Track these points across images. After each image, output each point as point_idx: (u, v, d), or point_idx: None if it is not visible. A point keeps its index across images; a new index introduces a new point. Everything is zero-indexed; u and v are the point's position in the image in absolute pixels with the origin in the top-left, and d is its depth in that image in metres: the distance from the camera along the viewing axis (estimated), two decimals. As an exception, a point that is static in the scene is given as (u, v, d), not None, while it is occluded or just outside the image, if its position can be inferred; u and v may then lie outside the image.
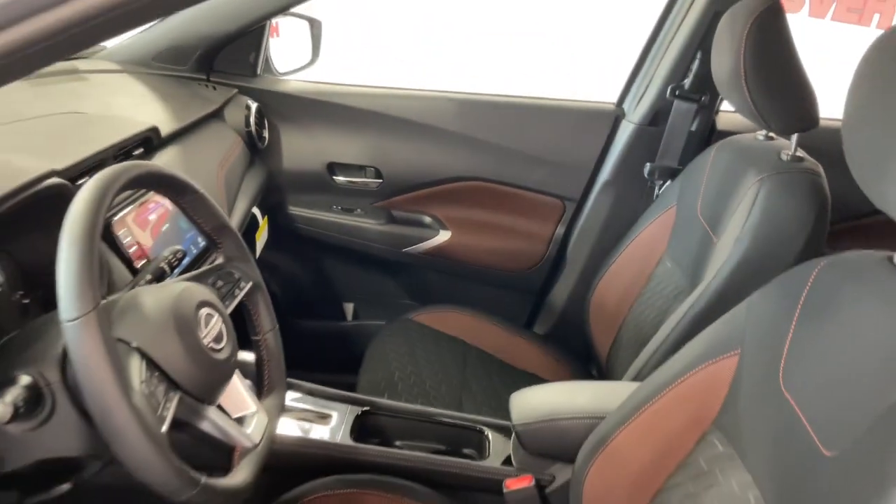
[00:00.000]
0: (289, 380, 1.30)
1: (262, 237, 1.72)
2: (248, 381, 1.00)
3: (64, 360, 0.80)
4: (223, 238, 0.99)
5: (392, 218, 1.93)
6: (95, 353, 0.69)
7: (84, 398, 0.70)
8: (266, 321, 1.03)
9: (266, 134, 1.79)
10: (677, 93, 1.72)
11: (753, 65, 1.25)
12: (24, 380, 0.78)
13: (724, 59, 1.31)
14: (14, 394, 0.76)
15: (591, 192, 1.87)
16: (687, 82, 1.72)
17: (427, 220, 1.93)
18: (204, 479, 0.77)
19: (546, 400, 1.25)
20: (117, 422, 0.69)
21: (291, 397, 1.29)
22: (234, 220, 1.53)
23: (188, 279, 0.91)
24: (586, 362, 1.83)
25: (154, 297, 0.82)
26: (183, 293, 0.83)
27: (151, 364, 0.78)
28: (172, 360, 0.79)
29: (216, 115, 1.65)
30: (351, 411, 1.30)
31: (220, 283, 0.96)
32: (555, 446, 1.20)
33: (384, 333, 1.70)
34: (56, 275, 0.71)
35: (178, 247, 1.04)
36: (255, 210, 1.67)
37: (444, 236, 1.92)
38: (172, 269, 1.02)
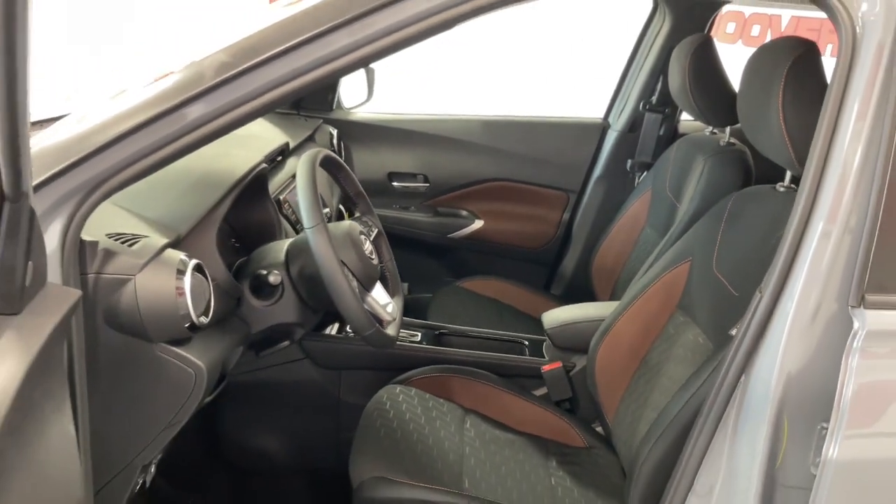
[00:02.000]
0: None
1: (346, 227, 2.29)
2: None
3: (287, 263, 1.37)
4: (360, 200, 1.57)
5: (437, 212, 2.52)
6: (327, 244, 1.25)
7: (319, 269, 1.25)
8: (386, 253, 1.60)
9: (343, 153, 2.38)
10: (648, 107, 2.33)
11: (695, 81, 1.84)
12: (266, 274, 1.34)
13: (676, 78, 1.90)
14: (268, 277, 1.32)
15: (588, 186, 2.47)
16: (654, 99, 2.33)
17: (464, 213, 2.53)
18: (377, 326, 1.33)
19: (568, 312, 1.83)
20: (339, 282, 1.25)
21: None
22: (332, 212, 2.10)
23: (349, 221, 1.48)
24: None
25: (337, 227, 1.39)
26: (352, 225, 1.41)
27: (342, 262, 1.34)
28: (353, 259, 1.35)
29: (310, 138, 2.24)
30: (430, 333, 1.86)
31: (360, 226, 1.53)
32: (574, 341, 1.76)
33: (439, 297, 2.26)
34: (300, 204, 1.28)
35: (326, 210, 1.62)
36: (341, 207, 2.25)
37: (477, 224, 2.51)
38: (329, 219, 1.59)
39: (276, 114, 2.28)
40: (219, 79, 0.96)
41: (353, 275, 1.36)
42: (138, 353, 1.08)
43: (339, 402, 1.78)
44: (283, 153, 1.88)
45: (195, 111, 0.97)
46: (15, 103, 0.69)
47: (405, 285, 2.63)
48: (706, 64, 1.85)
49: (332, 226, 1.40)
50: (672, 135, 2.38)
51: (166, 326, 1.06)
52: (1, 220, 0.76)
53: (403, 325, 1.88)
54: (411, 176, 2.50)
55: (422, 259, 2.60)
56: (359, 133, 2.44)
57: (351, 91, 2.51)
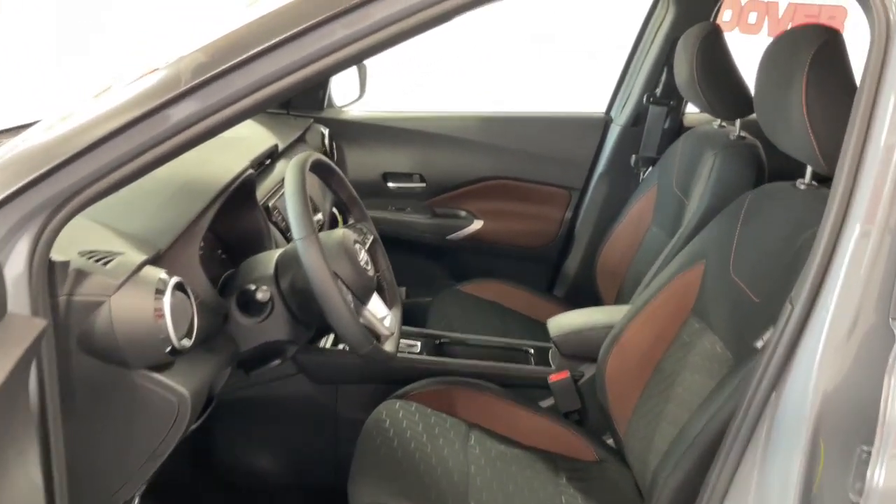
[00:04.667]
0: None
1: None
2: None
3: (277, 276, 1.28)
4: (353, 206, 1.48)
5: (435, 213, 2.43)
6: (318, 256, 1.16)
7: (311, 283, 1.17)
8: (383, 261, 1.51)
9: (335, 153, 2.29)
10: (652, 99, 2.25)
11: (703, 72, 1.76)
12: (254, 289, 1.25)
13: (683, 69, 1.82)
14: (255, 294, 1.24)
15: (591, 183, 2.38)
16: (658, 91, 2.24)
17: (462, 213, 2.43)
18: (375, 342, 1.24)
19: (574, 318, 1.74)
20: (332, 298, 1.16)
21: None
22: (325, 217, 2.01)
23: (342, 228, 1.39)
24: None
25: (329, 237, 1.30)
26: (345, 234, 1.32)
27: (335, 275, 1.26)
28: (346, 271, 1.27)
29: (301, 138, 2.15)
30: (430, 342, 1.78)
31: (354, 234, 1.44)
32: (582, 349, 1.68)
33: (438, 302, 2.18)
34: (288, 214, 1.19)
35: (318, 216, 1.53)
36: (335, 210, 2.16)
37: (477, 225, 2.42)
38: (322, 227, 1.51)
39: (264, 114, 2.18)
40: (201, 78, 0.87)
41: (348, 287, 1.28)
42: (116, 381, 0.99)
43: (337, 418, 1.70)
44: (272, 156, 1.79)
45: (176, 114, 0.88)
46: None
47: (403, 289, 2.55)
48: (715, 54, 1.77)
49: (325, 235, 1.31)
50: (677, 128, 2.29)
51: (145, 351, 0.98)
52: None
53: (402, 335, 1.79)
54: (407, 176, 2.40)
55: (420, 262, 2.51)
56: (352, 132, 2.35)
57: (342, 89, 2.42)
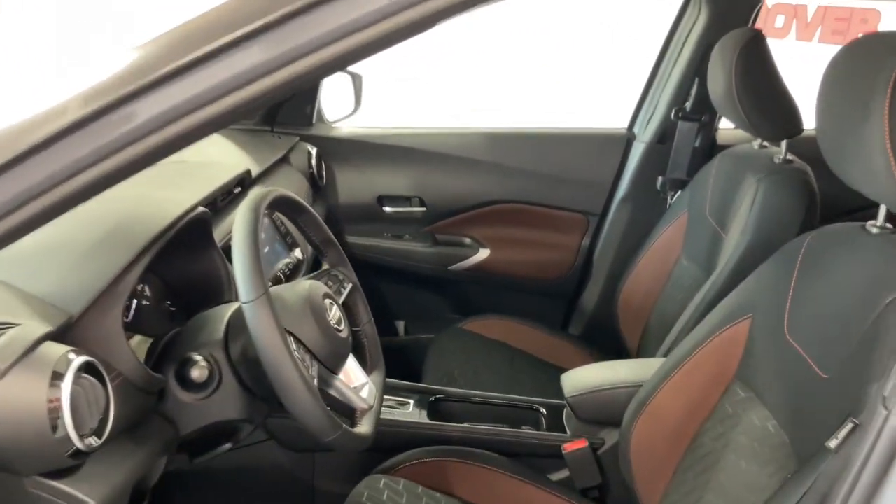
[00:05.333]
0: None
1: (327, 263, 1.96)
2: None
3: (226, 342, 1.04)
4: (329, 248, 1.24)
5: (436, 241, 2.18)
6: (270, 325, 0.92)
7: (261, 357, 0.93)
8: (364, 314, 1.26)
9: (324, 174, 2.05)
10: (681, 114, 1.98)
11: (743, 85, 1.50)
12: (198, 359, 1.01)
13: (719, 82, 1.56)
14: (191, 370, 1.00)
15: (611, 207, 2.12)
16: (688, 105, 1.98)
17: (467, 240, 2.18)
18: (344, 426, 1.00)
19: (592, 375, 1.48)
20: (287, 375, 0.92)
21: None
22: (305, 256, 1.77)
23: (311, 279, 1.15)
24: (618, 356, 2.04)
25: (292, 292, 1.06)
26: (312, 287, 1.08)
27: (297, 340, 1.01)
28: (312, 336, 1.02)
29: (284, 159, 1.91)
30: (424, 398, 1.53)
31: (329, 282, 1.20)
32: (602, 412, 1.42)
33: (439, 341, 1.93)
34: (234, 270, 0.95)
35: (288, 259, 1.29)
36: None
37: (483, 254, 2.16)
38: (287, 277, 1.26)
39: (243, 131, 1.95)
40: (152, 77, 0.66)
41: (314, 356, 1.03)
42: (5, 492, 0.77)
43: (314, 492, 1.46)
44: (243, 183, 1.55)
45: (113, 127, 0.66)
46: None
47: (401, 324, 2.31)
48: (757, 64, 1.51)
49: (287, 289, 1.07)
50: (710, 147, 2.03)
51: (36, 456, 0.75)
52: None
53: (391, 390, 1.55)
54: (405, 199, 2.15)
55: (419, 294, 2.27)
56: (343, 151, 2.11)
57: (334, 102, 2.19)
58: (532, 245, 2.18)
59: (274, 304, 0.95)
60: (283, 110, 2.05)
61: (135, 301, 1.12)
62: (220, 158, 1.62)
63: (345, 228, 2.14)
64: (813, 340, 1.05)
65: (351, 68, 2.23)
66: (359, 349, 1.26)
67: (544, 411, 1.55)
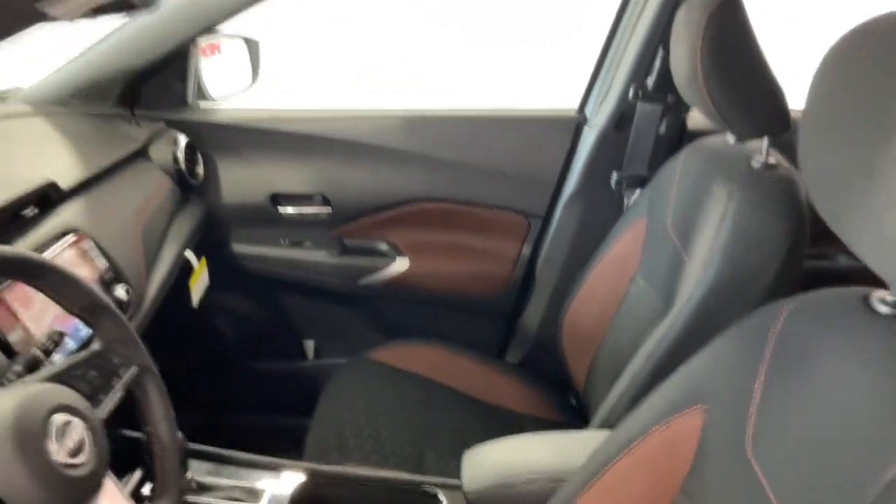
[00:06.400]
0: (213, 450, 1.17)
1: (198, 282, 1.58)
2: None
3: None
4: (98, 319, 0.85)
5: (345, 248, 1.78)
6: None
7: None
8: (158, 409, 0.89)
9: (200, 169, 1.65)
10: (640, 94, 1.57)
11: (712, 63, 1.11)
12: None
13: (681, 56, 1.17)
14: None
15: (557, 207, 1.72)
16: (650, 81, 1.57)
17: (383, 247, 1.79)
18: None
19: (500, 460, 1.11)
20: None
21: (214, 471, 1.15)
22: (161, 269, 1.39)
23: (44, 379, 0.77)
24: (563, 390, 1.68)
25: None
26: (26, 401, 0.70)
27: None
28: (14, 487, 0.65)
29: (141, 153, 1.51)
30: (287, 483, 1.16)
31: (93, 373, 0.82)
32: (513, 513, 1.06)
33: (338, 379, 1.56)
34: None
35: (56, 328, 0.90)
36: (189, 253, 1.53)
37: (402, 264, 1.77)
38: (49, 354, 0.89)
39: (91, 117, 1.54)
40: None
41: None
42: None
43: None
44: (45, 201, 1.16)
45: None
46: None
47: (311, 344, 1.94)
48: (731, 35, 1.11)
49: None
50: (678, 134, 1.63)
51: None
52: None
53: (237, 474, 1.18)
54: (306, 198, 1.75)
55: (329, 310, 1.89)
56: (227, 139, 1.70)
57: (220, 76, 1.77)
58: (461, 253, 1.78)
59: None
60: (149, 88, 1.63)
61: None
62: (22, 165, 1.22)
63: (230, 235, 1.75)
64: (785, 475, 0.70)
65: (246, 34, 1.82)
66: (150, 459, 0.89)
67: (442, 497, 1.18)
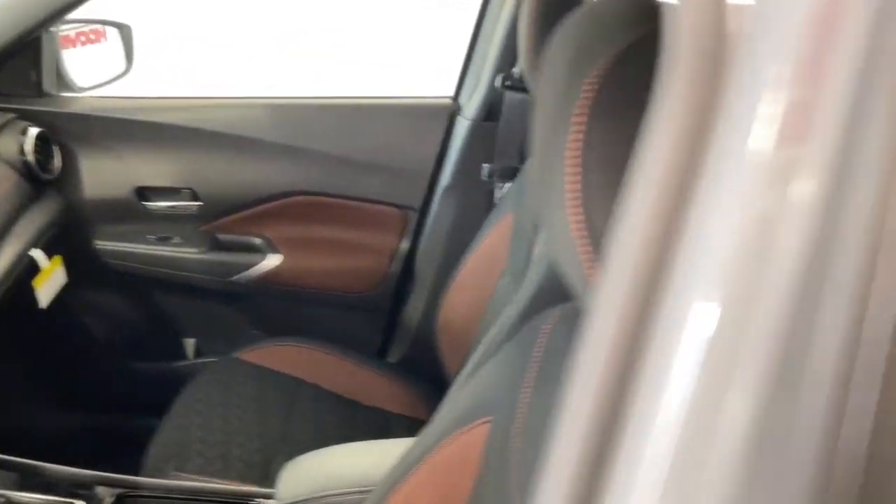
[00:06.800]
0: (23, 461, 1.10)
1: (46, 282, 1.50)
2: None
3: None
4: None
5: (216, 243, 1.71)
6: None
7: None
8: None
9: (55, 162, 1.57)
10: (508, 82, 1.51)
11: (545, 41, 1.05)
12: None
13: (521, 39, 1.11)
14: None
15: (433, 199, 1.66)
16: (517, 70, 1.51)
17: (257, 242, 1.72)
18: None
19: (322, 470, 1.06)
20: None
21: (22, 484, 1.09)
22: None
23: None
24: (442, 389, 1.63)
25: None
26: None
27: None
28: None
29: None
30: (99, 499, 1.10)
31: None
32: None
33: (198, 380, 1.49)
34: None
35: None
36: (36, 252, 1.45)
37: (275, 260, 1.70)
38: None
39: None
40: None
41: None
42: None
43: None
44: None
45: None
46: None
47: (191, 343, 1.87)
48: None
49: None
50: (549, 124, 1.58)
51: None
52: None
53: (50, 488, 1.11)
54: (173, 192, 1.67)
55: (212, 306, 1.81)
56: (87, 130, 1.61)
57: (88, 64, 1.69)
58: (337, 247, 1.71)
59: None
60: (1, 76, 1.55)
61: None
62: None
63: (93, 231, 1.66)
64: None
65: (117, 19, 1.74)
66: None
67: None
